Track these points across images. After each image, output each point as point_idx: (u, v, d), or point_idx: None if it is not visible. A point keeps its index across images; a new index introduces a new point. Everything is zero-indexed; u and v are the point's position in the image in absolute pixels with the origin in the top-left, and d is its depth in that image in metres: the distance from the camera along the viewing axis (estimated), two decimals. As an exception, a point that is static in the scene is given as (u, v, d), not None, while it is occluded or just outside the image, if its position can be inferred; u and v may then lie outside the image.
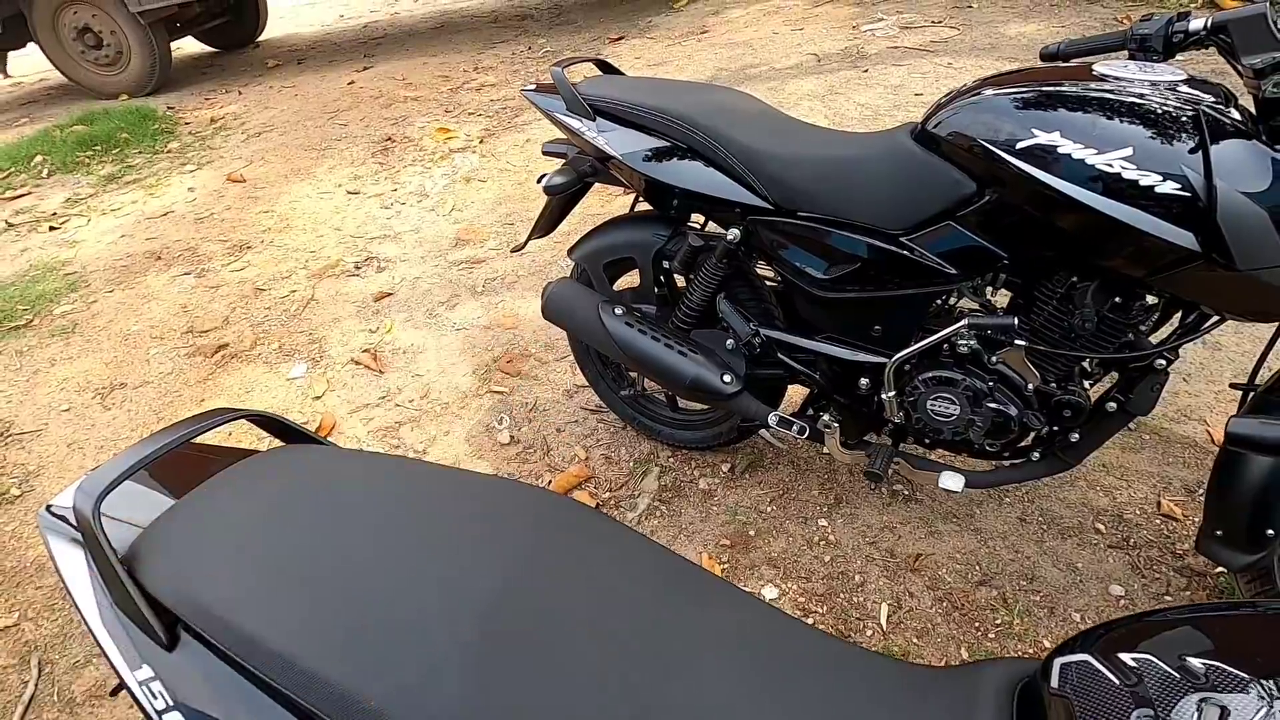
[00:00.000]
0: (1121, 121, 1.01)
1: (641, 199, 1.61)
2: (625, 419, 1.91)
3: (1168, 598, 1.43)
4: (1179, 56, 1.13)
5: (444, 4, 8.16)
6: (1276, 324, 1.10)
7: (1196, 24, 1.08)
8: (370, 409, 2.24)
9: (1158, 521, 1.56)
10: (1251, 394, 1.18)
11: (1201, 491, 1.61)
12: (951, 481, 1.32)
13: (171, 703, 0.57)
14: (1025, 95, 1.08)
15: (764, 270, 1.55)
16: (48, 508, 0.71)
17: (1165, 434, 1.73)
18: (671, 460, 1.89)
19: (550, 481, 1.87)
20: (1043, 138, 1.04)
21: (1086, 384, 1.26)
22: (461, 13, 7.53)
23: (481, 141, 4.07)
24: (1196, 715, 0.38)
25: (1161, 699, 0.40)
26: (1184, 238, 0.98)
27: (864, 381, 1.36)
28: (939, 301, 1.31)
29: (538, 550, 0.60)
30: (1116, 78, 1.05)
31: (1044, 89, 1.07)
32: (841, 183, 1.24)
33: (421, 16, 7.68)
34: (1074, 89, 1.05)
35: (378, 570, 0.59)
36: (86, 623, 0.63)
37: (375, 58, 6.21)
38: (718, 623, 0.56)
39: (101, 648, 0.60)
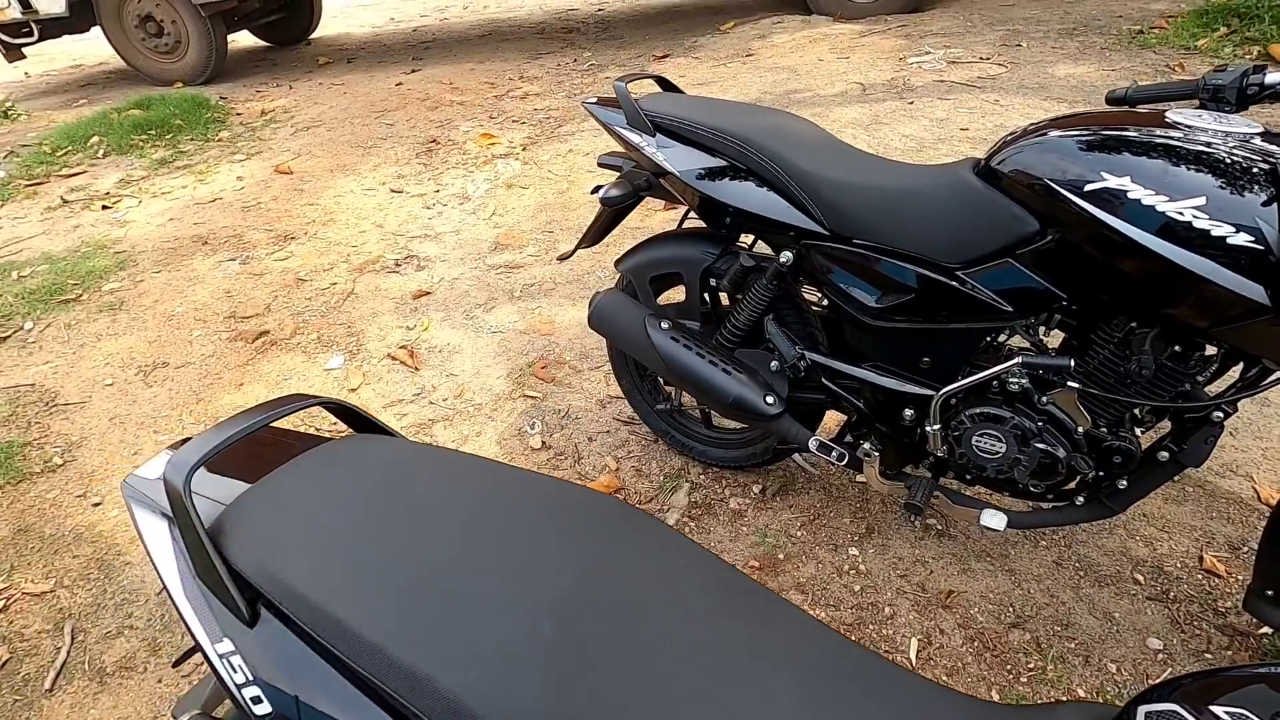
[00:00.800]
0: (1194, 170, 1.01)
1: (692, 215, 1.63)
2: (658, 433, 1.92)
3: (1208, 655, 1.40)
4: (1251, 109, 1.13)
5: (492, 13, 8.31)
6: None
7: (1274, 78, 1.08)
8: (404, 405, 2.27)
9: (1199, 577, 1.53)
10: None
11: (1246, 549, 1.58)
12: (994, 520, 1.31)
13: (251, 677, 0.58)
14: (1095, 138, 1.08)
15: (810, 295, 1.56)
16: (130, 479, 0.73)
17: (1210, 488, 1.70)
18: (702, 477, 1.89)
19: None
20: (1113, 181, 1.03)
21: (1138, 431, 1.24)
22: (509, 22, 7.67)
23: (524, 149, 4.13)
24: None
25: (1258, 755, 0.40)
26: (1254, 290, 0.97)
27: (909, 412, 1.35)
28: (990, 338, 1.30)
29: (607, 554, 0.61)
30: (1190, 126, 1.05)
31: (1115, 133, 1.07)
32: (900, 213, 1.24)
33: (470, 24, 7.83)
34: (1146, 135, 1.05)
35: (455, 563, 0.60)
36: (169, 593, 0.64)
37: (423, 61, 6.34)
38: (782, 641, 0.57)
39: (184, 619, 0.61)
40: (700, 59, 5.26)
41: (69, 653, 1.57)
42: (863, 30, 5.02)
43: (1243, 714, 0.42)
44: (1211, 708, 0.44)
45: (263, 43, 7.36)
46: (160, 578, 0.66)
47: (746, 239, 1.58)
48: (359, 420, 0.86)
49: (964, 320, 1.24)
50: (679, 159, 1.39)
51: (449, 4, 9.10)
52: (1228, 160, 1.01)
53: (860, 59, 4.47)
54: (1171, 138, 1.04)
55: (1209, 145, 1.03)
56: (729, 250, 1.52)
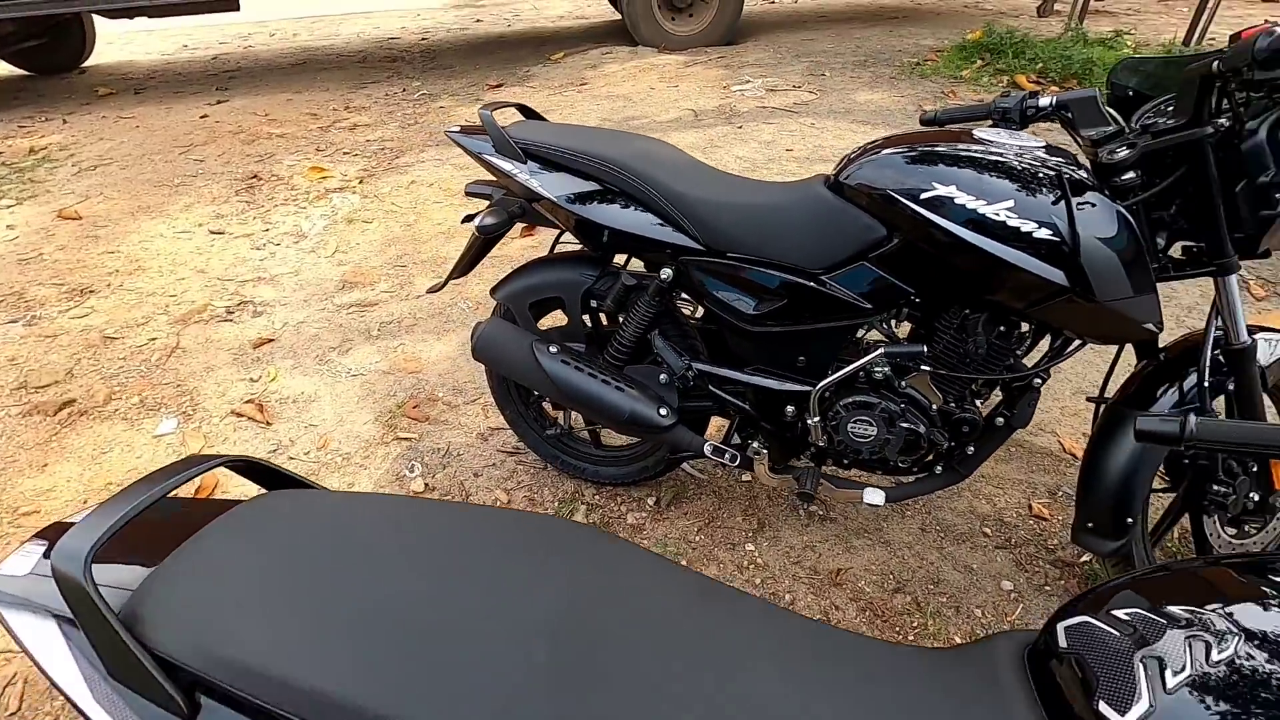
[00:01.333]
0: (1002, 179, 1.20)
1: (565, 239, 1.65)
2: (546, 459, 1.90)
3: (1046, 588, 1.63)
4: (1030, 128, 1.36)
5: (304, 41, 7.84)
6: (1118, 345, 1.34)
7: (1045, 101, 1.31)
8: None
9: (1031, 522, 1.79)
10: (1103, 405, 1.42)
11: (1061, 493, 1.86)
12: (875, 497, 1.45)
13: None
14: (923, 153, 1.25)
15: (687, 308, 1.64)
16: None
17: (1027, 445, 1.99)
18: (597, 497, 1.89)
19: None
20: (941, 190, 1.20)
21: (978, 403, 1.43)
22: (326, 51, 7.27)
23: (361, 182, 3.93)
24: (1187, 650, 0.47)
25: (1154, 640, 0.49)
26: (1056, 274, 1.18)
27: (790, 409, 1.46)
28: (853, 334, 1.44)
29: (573, 573, 0.60)
30: (992, 141, 1.25)
31: (938, 149, 1.25)
32: (767, 226, 1.35)
33: (279, 52, 7.32)
34: (964, 150, 1.23)
35: (423, 605, 0.56)
36: (76, 705, 0.53)
37: (230, 91, 5.83)
38: (757, 632, 0.60)
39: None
40: (535, 88, 5.32)
41: None
42: (686, 61, 5.36)
43: (1136, 611, 0.52)
44: (1112, 611, 0.53)
45: (20, 71, 6.37)
46: (60, 689, 0.55)
47: (621, 258, 1.63)
48: (272, 476, 0.77)
49: (830, 319, 1.37)
50: (553, 184, 1.41)
51: (252, 31, 8.45)
52: (1024, 169, 1.21)
53: (689, 87, 4.76)
54: (982, 151, 1.24)
55: (1009, 157, 1.23)
56: (608, 271, 1.55)
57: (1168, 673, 0.46)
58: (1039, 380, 1.36)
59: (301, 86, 5.90)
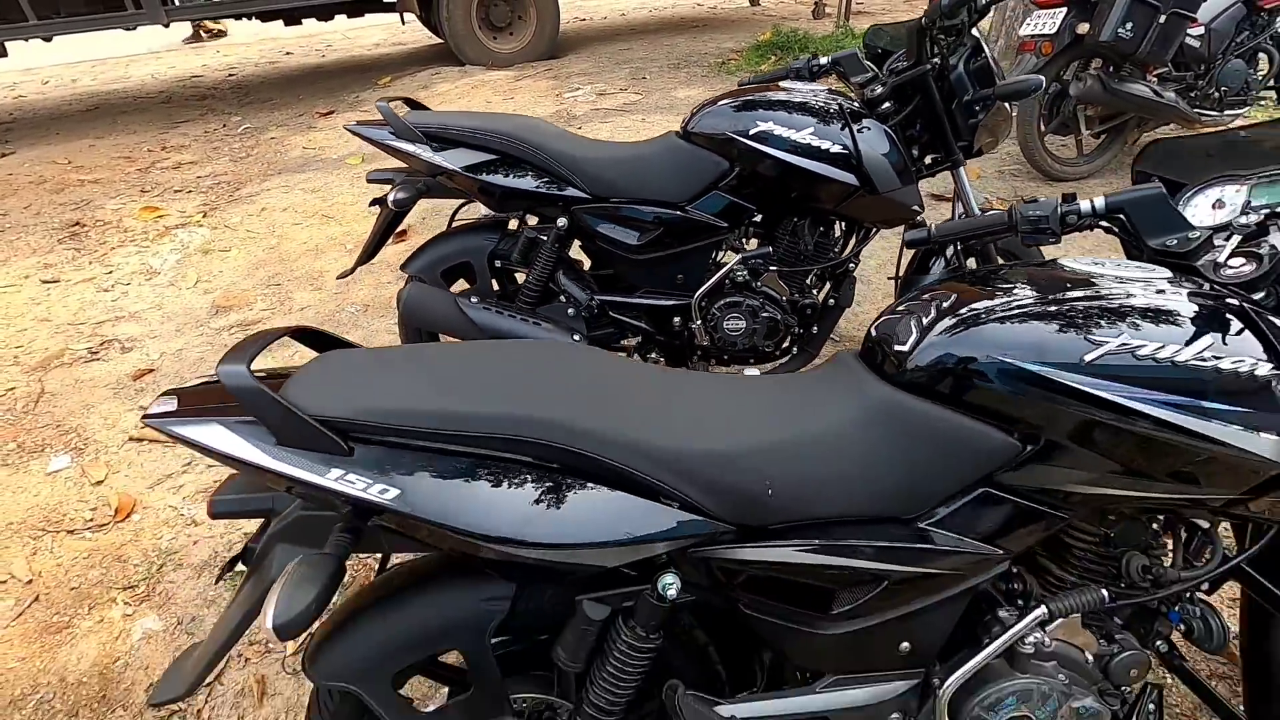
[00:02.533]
0: (804, 114, 1.62)
1: (462, 215, 1.88)
2: None
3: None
4: (820, 81, 1.82)
5: (87, 86, 7.21)
6: (903, 227, 1.83)
7: (824, 60, 1.77)
8: (176, 478, 2.06)
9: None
10: (899, 280, 1.90)
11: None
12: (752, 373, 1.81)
13: (370, 482, 0.69)
14: (746, 101, 1.65)
15: (575, 256, 1.93)
16: (148, 417, 0.73)
17: (837, 345, 2.49)
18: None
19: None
20: (763, 126, 1.60)
21: (814, 292, 1.86)
22: (119, 94, 6.76)
23: (205, 215, 3.82)
24: (936, 307, 0.84)
25: (916, 310, 0.85)
26: (849, 178, 1.62)
27: (676, 320, 1.80)
28: (716, 252, 1.82)
29: (591, 360, 0.87)
30: (794, 89, 1.68)
31: (756, 97, 1.65)
32: (639, 173, 1.68)
33: (61, 99, 6.70)
34: (774, 97, 1.65)
35: (502, 373, 0.80)
36: (255, 464, 0.70)
37: (12, 143, 5.30)
38: (693, 377, 0.92)
39: (281, 473, 0.68)
40: (368, 112, 5.35)
41: None
42: (516, 75, 5.65)
43: (912, 302, 0.88)
44: (896, 309, 0.90)
45: None
46: (237, 460, 0.71)
47: (515, 222, 1.89)
48: (325, 340, 0.93)
49: (697, 240, 1.73)
50: (454, 158, 1.65)
51: (19, 80, 7.61)
52: (818, 106, 1.64)
53: (524, 98, 5.06)
54: (787, 97, 1.66)
55: (807, 99, 1.66)
56: (508, 232, 1.81)
57: (931, 322, 0.83)
58: (853, 265, 1.81)
59: (102, 131, 5.49)
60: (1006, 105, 1.71)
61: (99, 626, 1.63)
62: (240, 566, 0.87)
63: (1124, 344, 0.77)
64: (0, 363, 2.62)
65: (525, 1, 6.05)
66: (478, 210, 1.95)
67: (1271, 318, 0.79)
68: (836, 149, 1.60)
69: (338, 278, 1.95)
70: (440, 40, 7.29)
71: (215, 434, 0.73)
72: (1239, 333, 0.78)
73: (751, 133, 1.60)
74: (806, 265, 1.77)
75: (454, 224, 1.96)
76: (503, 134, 1.66)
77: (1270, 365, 0.77)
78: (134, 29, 5.28)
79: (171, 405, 0.76)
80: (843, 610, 0.84)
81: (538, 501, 0.73)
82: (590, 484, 0.75)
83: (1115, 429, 0.77)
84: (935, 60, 1.62)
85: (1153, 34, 2.80)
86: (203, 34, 9.20)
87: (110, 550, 1.83)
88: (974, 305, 0.85)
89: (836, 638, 0.85)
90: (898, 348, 0.86)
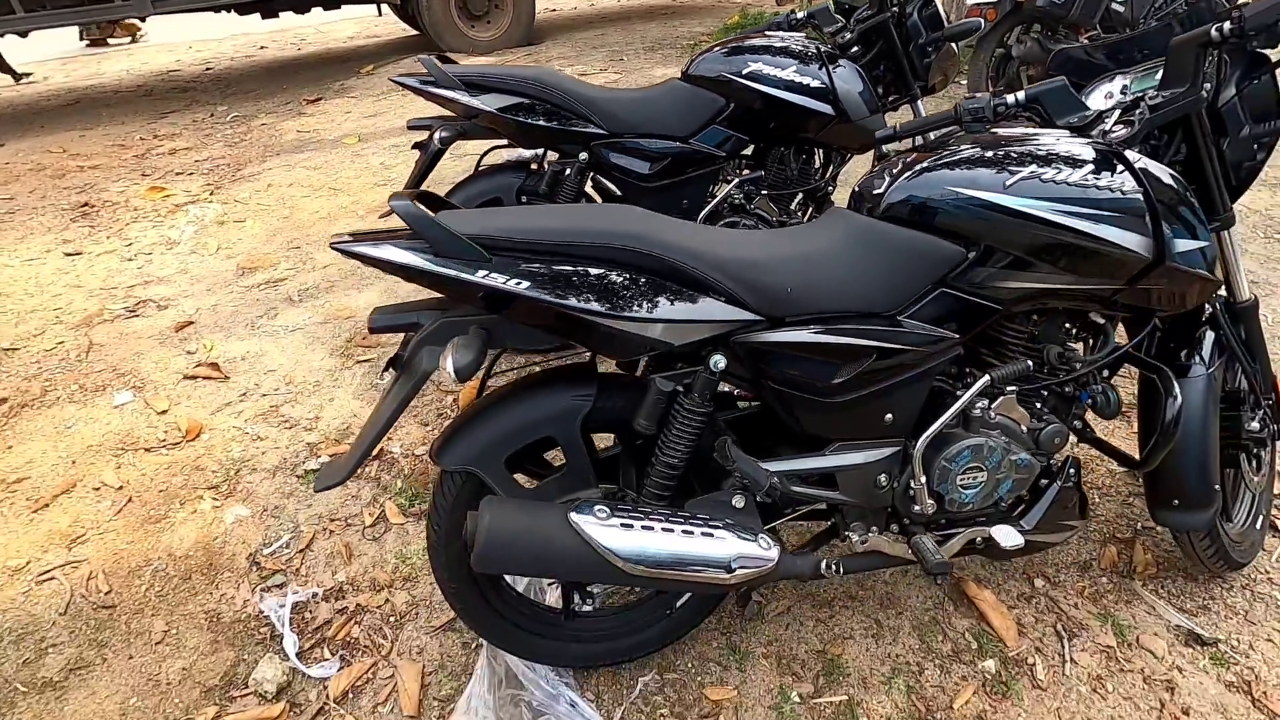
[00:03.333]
0: (786, 56, 1.93)
1: (505, 145, 2.12)
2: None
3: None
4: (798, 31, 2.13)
5: (63, 82, 7.23)
6: (873, 153, 2.14)
7: (801, 15, 2.07)
8: (235, 405, 2.29)
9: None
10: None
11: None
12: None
13: (507, 279, 0.95)
14: (735, 46, 1.94)
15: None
16: (336, 241, 0.97)
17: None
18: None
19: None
20: (753, 65, 1.90)
21: (800, 215, 2.17)
22: (97, 89, 6.81)
23: (212, 193, 4.00)
24: (902, 164, 1.14)
25: (891, 168, 1.16)
26: (826, 109, 1.92)
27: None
28: (716, 184, 2.10)
29: (652, 215, 1.13)
30: (775, 35, 1.98)
31: (745, 43, 1.95)
32: (648, 111, 1.97)
33: (38, 95, 6.73)
34: (759, 42, 1.95)
35: (593, 216, 1.06)
36: (422, 269, 0.96)
37: None
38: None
39: (444, 274, 0.93)
40: (358, 96, 5.55)
41: None
42: (496, 61, 5.88)
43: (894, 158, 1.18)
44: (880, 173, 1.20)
45: None
46: (407, 268, 0.97)
47: (535, 166, 2.15)
48: (443, 206, 1.18)
49: (699, 169, 2.02)
50: (491, 101, 1.91)
51: (-10, 79, 7.58)
52: (798, 50, 1.94)
53: (508, 80, 5.29)
54: (770, 42, 1.96)
55: (788, 43, 1.96)
56: (533, 170, 2.04)
57: (898, 172, 1.12)
58: (831, 189, 2.12)
59: (89, 124, 5.58)
60: (954, 46, 2.04)
61: (193, 516, 1.86)
62: (390, 373, 1.13)
63: (1033, 172, 1.08)
64: (44, 322, 2.80)
65: (502, -11, 6.28)
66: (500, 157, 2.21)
67: (1137, 161, 1.11)
68: (816, 84, 1.90)
69: (380, 218, 2.19)
70: (415, 32, 7.48)
71: (389, 251, 0.98)
72: (1115, 169, 1.09)
73: (744, 72, 1.90)
74: (793, 189, 2.08)
75: (479, 165, 2.22)
76: (530, 79, 1.93)
77: (1137, 190, 1.08)
78: (143, 21, 5.38)
79: (349, 239, 1.02)
80: (841, 381, 1.12)
81: (628, 291, 1.01)
82: (665, 280, 1.03)
83: (1030, 233, 1.07)
84: (894, 9, 1.94)
85: (1080, 0, 3.17)
86: (109, 39, 8.87)
87: (187, 462, 2.05)
88: (929, 159, 1.15)
89: (839, 406, 1.15)
90: (875, 192, 1.16)
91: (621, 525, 1.06)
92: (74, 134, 5.31)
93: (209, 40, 8.86)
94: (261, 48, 8.23)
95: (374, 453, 1.19)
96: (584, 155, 2.00)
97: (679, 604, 1.38)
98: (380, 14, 7.30)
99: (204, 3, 5.84)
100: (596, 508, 1.07)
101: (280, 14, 6.66)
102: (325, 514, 1.84)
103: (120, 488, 1.96)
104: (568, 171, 2.03)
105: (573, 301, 0.98)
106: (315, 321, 2.70)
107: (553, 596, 1.46)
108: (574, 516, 1.05)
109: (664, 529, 1.08)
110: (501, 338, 1.07)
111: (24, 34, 5.54)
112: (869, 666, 1.39)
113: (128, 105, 6.08)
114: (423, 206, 0.99)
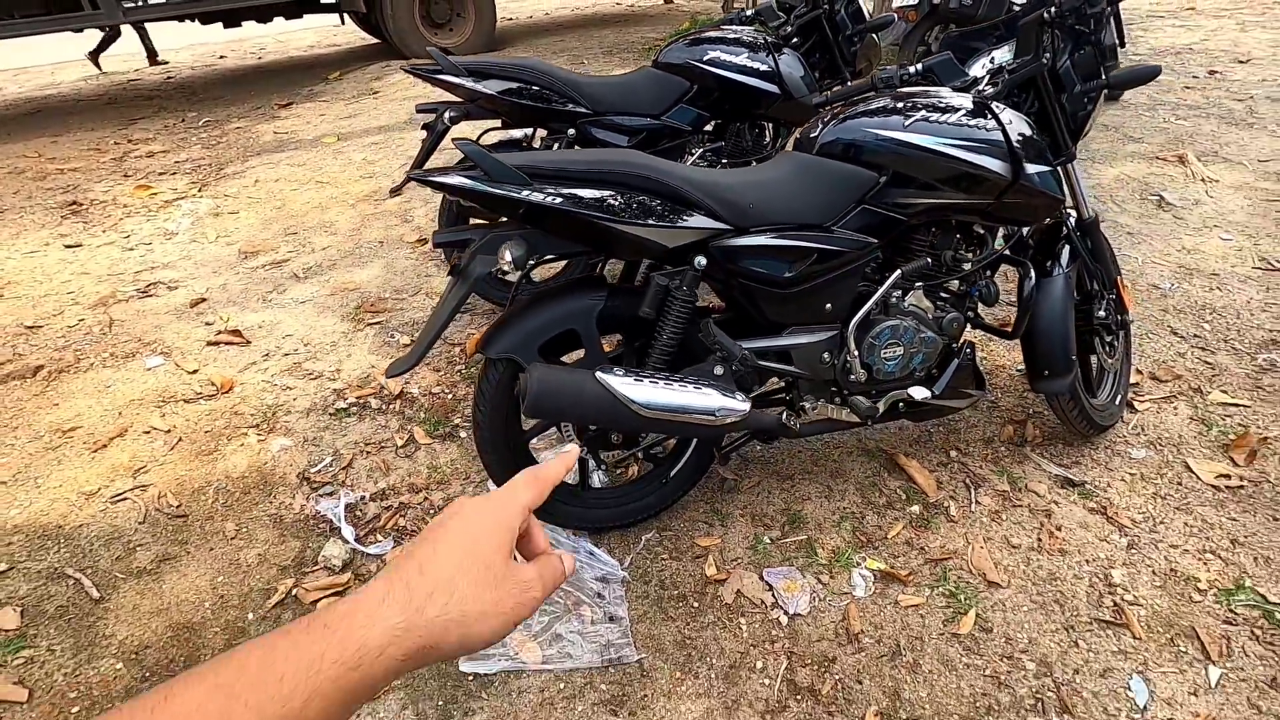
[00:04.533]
0: (740, 46, 2.31)
1: (499, 126, 2.45)
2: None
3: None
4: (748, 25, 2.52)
5: (16, 93, 7.23)
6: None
7: (750, 13, 2.47)
8: (262, 363, 2.55)
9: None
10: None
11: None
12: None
13: (546, 195, 1.28)
14: (701, 38, 2.33)
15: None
16: (411, 174, 1.27)
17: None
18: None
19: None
20: (712, 53, 2.28)
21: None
22: (56, 99, 6.85)
23: (201, 189, 4.20)
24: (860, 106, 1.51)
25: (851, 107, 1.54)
26: (773, 89, 2.31)
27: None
28: (684, 156, 2.47)
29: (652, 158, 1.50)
30: (730, 29, 2.37)
31: (707, 35, 2.33)
32: (626, 93, 2.33)
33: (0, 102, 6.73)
34: (716, 34, 2.33)
35: (609, 153, 1.41)
36: (482, 190, 1.27)
37: (-35, 144, 5.41)
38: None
39: (499, 194, 1.25)
40: (329, 101, 5.77)
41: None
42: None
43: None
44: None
45: None
46: (471, 191, 1.28)
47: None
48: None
49: (670, 142, 2.38)
50: (492, 86, 2.24)
51: (-60, 89, 7.51)
52: (750, 40, 2.33)
53: (476, 83, 5.60)
54: (725, 34, 2.34)
55: (741, 35, 2.35)
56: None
57: (828, 120, 1.51)
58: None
59: (56, 131, 5.66)
60: (874, 37, 2.46)
61: (241, 448, 2.13)
62: (449, 278, 1.45)
63: (924, 116, 1.47)
64: (60, 304, 3.00)
65: (463, -1, 6.58)
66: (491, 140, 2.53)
67: (1000, 110, 1.51)
68: (764, 69, 2.30)
69: (391, 192, 2.49)
70: (376, 40, 7.71)
71: (457, 179, 1.31)
72: (985, 115, 1.50)
73: (705, 59, 2.28)
74: (747, 157, 2.46)
75: (480, 139, 2.54)
76: (525, 67, 2.27)
77: (997, 129, 1.49)
78: (106, 31, 5.51)
79: (421, 172, 1.35)
80: (791, 276, 1.48)
81: (636, 206, 1.36)
82: (663, 200, 1.38)
83: (923, 160, 1.47)
84: (825, 6, 2.35)
85: (986, 1, 3.67)
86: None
87: (225, 409, 2.31)
88: (850, 109, 1.54)
89: (791, 297, 1.51)
90: (812, 135, 1.55)
91: (635, 381, 1.37)
92: (44, 140, 5.40)
93: (164, 50, 8.88)
94: (221, 57, 8.33)
95: (436, 343, 1.46)
96: (571, 132, 2.34)
97: (673, 473, 1.73)
98: (343, 23, 7.51)
99: (173, 12, 5.98)
100: (616, 369, 1.38)
101: (242, 24, 6.82)
102: (360, 440, 2.14)
103: (169, 430, 2.22)
104: (556, 146, 2.37)
105: (595, 213, 1.33)
106: (323, 294, 2.97)
107: (570, 474, 1.80)
108: (599, 374, 1.36)
109: (665, 385, 1.39)
110: (537, 246, 1.36)
111: None
112: (823, 516, 1.77)
113: (94, 113, 6.16)
114: (480, 146, 1.32)
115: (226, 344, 2.67)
